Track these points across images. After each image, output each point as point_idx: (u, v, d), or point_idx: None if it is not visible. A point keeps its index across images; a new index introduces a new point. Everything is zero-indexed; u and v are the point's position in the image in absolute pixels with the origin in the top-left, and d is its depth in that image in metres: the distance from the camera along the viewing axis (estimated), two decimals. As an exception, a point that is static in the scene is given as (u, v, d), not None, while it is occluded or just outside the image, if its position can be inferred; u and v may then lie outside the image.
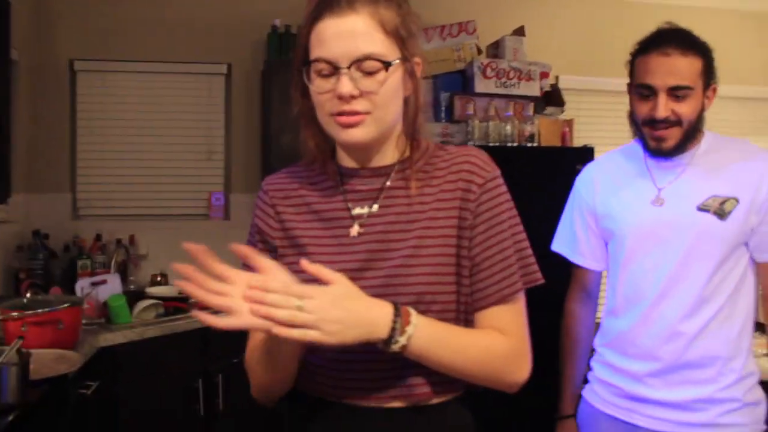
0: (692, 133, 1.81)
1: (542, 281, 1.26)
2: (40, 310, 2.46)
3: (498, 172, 1.27)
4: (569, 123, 3.94)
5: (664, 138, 1.80)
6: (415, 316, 1.12)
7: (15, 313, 2.44)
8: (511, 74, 3.91)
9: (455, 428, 1.25)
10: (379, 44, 1.16)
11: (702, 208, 1.79)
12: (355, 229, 1.24)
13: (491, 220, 1.23)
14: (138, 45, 4.08)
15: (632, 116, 1.90)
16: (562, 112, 4.07)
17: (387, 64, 1.16)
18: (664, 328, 1.79)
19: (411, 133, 1.27)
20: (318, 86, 1.18)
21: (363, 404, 1.20)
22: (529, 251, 1.26)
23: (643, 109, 1.82)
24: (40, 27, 3.96)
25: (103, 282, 3.29)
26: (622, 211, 1.90)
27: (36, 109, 3.94)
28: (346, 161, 1.30)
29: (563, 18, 4.68)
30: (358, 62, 1.15)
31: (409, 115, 1.26)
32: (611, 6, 4.78)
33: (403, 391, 1.20)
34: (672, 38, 1.78)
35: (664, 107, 1.77)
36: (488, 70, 3.87)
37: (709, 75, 1.81)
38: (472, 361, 1.18)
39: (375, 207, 1.25)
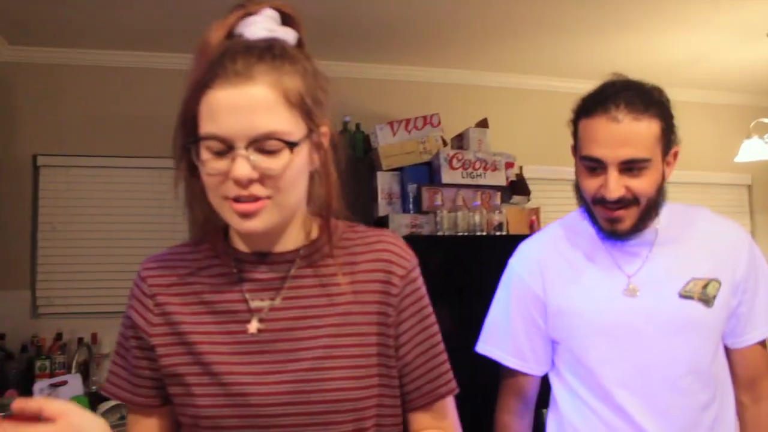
0: (652, 210, 1.52)
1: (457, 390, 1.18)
2: (-5, 413, 2.33)
3: (416, 261, 1.16)
4: (536, 211, 3.98)
5: (618, 219, 1.50)
6: None
7: (-32, 417, 2.30)
8: (477, 165, 3.96)
9: None
10: (282, 120, 0.99)
11: (684, 295, 1.51)
12: (253, 325, 1.07)
13: (418, 314, 1.13)
14: (102, 140, 4.06)
15: (578, 189, 1.58)
16: (528, 200, 4.11)
17: (292, 145, 0.99)
18: None
19: (320, 212, 1.12)
20: (210, 167, 1.00)
21: None
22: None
23: (591, 186, 1.51)
24: (2, 122, 3.93)
25: (63, 383, 3.15)
26: (587, 305, 1.55)
27: (-4, 205, 3.87)
28: (242, 245, 1.12)
29: (524, 110, 4.80)
30: (256, 142, 0.97)
31: (315, 191, 1.10)
32: (570, 97, 4.90)
33: None
34: (621, 98, 1.45)
35: (616, 186, 1.45)
36: (454, 161, 3.92)
37: (668, 138, 1.49)
38: None
39: (278, 300, 1.08)
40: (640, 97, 1.46)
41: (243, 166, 0.97)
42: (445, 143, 4.16)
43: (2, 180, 3.91)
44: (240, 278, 1.10)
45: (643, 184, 1.46)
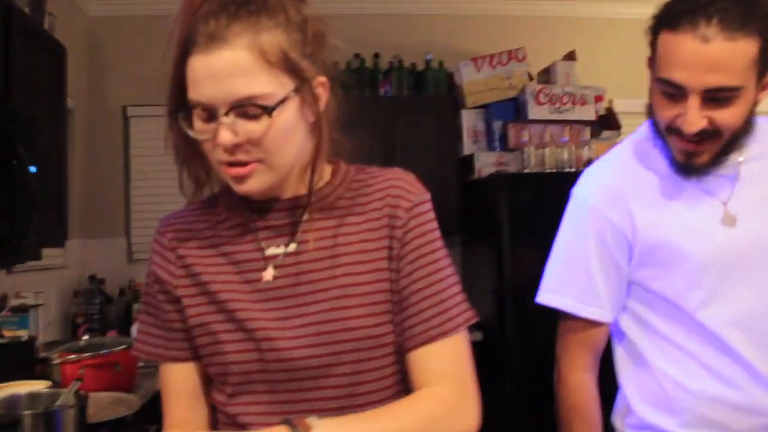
0: (735, 142, 1.31)
1: (477, 318, 1.09)
2: (97, 353, 2.44)
3: (427, 195, 1.11)
4: (628, 146, 3.84)
5: (695, 152, 1.31)
6: (317, 425, 0.94)
7: (72, 356, 2.42)
8: (565, 99, 3.83)
9: None
10: (261, 82, 0.95)
11: None
12: (269, 273, 1.06)
13: (420, 249, 1.07)
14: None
15: (651, 112, 1.37)
16: (619, 135, 3.96)
17: (269, 109, 0.95)
18: None
19: (324, 160, 1.09)
20: (200, 132, 0.99)
21: None
22: (460, 286, 1.10)
23: (667, 113, 1.29)
24: (93, 75, 4.05)
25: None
26: (686, 239, 1.36)
27: (91, 155, 4.01)
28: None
29: (613, 41, 4.58)
30: (237, 107, 0.95)
31: (318, 143, 1.05)
32: (664, 27, 4.67)
33: None
34: (714, 9, 1.19)
35: (696, 118, 1.24)
36: (541, 96, 3.80)
37: (767, 58, 1.23)
38: None
39: (292, 245, 1.07)
40: (738, 8, 1.20)
41: (224, 132, 0.96)
42: (531, 78, 4.04)
43: (95, 131, 4.04)
44: (255, 227, 1.09)
45: (729, 116, 1.25)
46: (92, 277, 3.68)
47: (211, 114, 0.97)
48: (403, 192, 1.09)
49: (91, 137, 4.02)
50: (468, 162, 3.88)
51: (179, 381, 1.15)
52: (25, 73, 2.38)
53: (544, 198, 3.61)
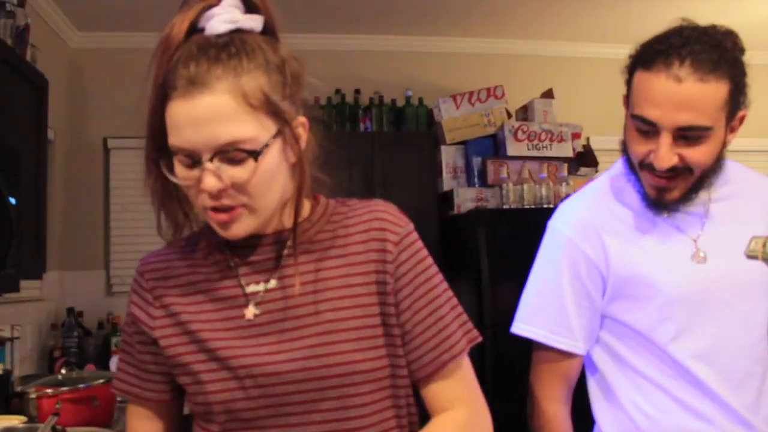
0: (705, 179, 1.34)
1: (480, 339, 1.12)
2: (75, 387, 2.41)
3: (411, 225, 1.11)
4: (604, 183, 3.89)
5: (666, 188, 1.34)
6: None
7: (49, 390, 2.39)
8: (543, 136, 3.89)
9: None
10: (244, 127, 0.94)
11: (750, 256, 1.39)
12: (250, 311, 1.05)
13: (416, 280, 1.08)
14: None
15: (626, 148, 1.40)
16: (596, 171, 4.03)
17: (255, 154, 0.94)
18: None
19: (305, 196, 1.07)
20: (183, 178, 0.98)
21: None
22: (460, 308, 1.12)
23: (640, 149, 1.33)
24: (74, 107, 4.05)
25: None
26: (658, 273, 1.38)
27: (71, 186, 4.00)
28: None
29: (590, 80, 4.67)
30: (221, 153, 0.93)
31: (299, 182, 1.04)
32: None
33: None
34: (687, 52, 1.25)
35: (667, 154, 1.28)
36: (519, 133, 3.86)
37: (737, 100, 1.29)
38: None
39: (272, 281, 1.06)
40: (711, 52, 1.25)
41: (209, 179, 0.94)
42: (509, 115, 4.10)
43: (75, 162, 4.03)
44: (235, 263, 1.08)
45: (699, 154, 1.28)
46: (70, 310, 3.65)
47: (193, 160, 0.95)
48: (388, 224, 1.08)
49: (71, 168, 4.01)
50: (448, 197, 3.92)
51: (142, 421, 1.16)
52: (6, 103, 2.38)
53: (524, 233, 3.64)
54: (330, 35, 4.28)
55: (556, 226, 1.48)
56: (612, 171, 1.51)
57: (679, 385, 1.38)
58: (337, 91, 4.17)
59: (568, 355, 1.45)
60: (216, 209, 0.98)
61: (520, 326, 1.48)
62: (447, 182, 3.98)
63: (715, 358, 1.37)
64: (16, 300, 3.18)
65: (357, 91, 4.22)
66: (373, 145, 4.06)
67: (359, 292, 1.05)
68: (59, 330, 3.60)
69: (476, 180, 3.89)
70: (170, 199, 1.05)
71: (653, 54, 1.29)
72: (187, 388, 1.07)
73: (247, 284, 1.07)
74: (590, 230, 1.42)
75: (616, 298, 1.42)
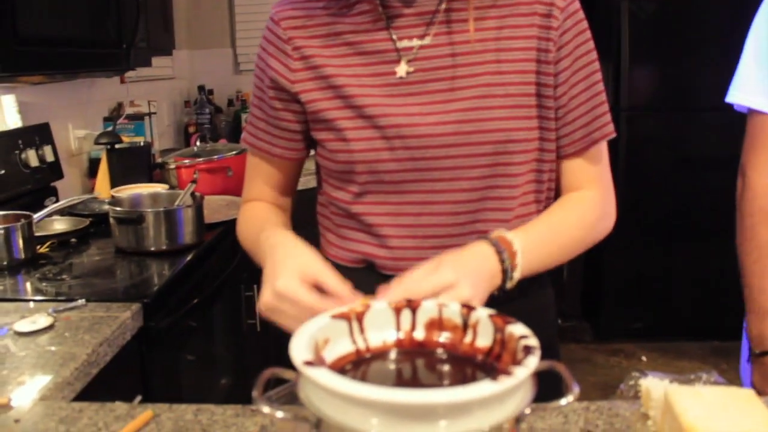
0: None
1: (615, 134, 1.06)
2: (210, 158, 2.51)
3: None
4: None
5: None
6: (516, 242, 0.89)
7: (187, 161, 2.50)
8: None
9: (537, 308, 1.07)
10: None
11: None
12: (402, 68, 0.98)
13: (576, 51, 1.00)
14: None
15: None
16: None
17: None
18: None
19: None
20: None
21: None
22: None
23: None
24: None
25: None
26: None
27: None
28: None
29: None
30: None
31: None
32: None
33: None
34: None
35: None
36: None
37: None
38: (572, 247, 1.01)
39: (428, 38, 0.98)
40: None
41: None
42: None
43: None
44: (385, 15, 0.99)
45: None
46: (201, 88, 3.73)
47: None
48: None
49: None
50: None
51: (264, 174, 1.14)
52: None
53: (673, 9, 3.35)
54: None
55: None
56: None
57: None
58: None
59: None
60: None
61: (738, 95, 1.34)
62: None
63: None
64: (150, 78, 3.28)
65: None
66: None
67: (519, 57, 0.98)
68: (192, 107, 3.71)
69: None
70: None
71: None
72: (328, 144, 1.03)
73: (400, 39, 0.99)
74: None
75: None
